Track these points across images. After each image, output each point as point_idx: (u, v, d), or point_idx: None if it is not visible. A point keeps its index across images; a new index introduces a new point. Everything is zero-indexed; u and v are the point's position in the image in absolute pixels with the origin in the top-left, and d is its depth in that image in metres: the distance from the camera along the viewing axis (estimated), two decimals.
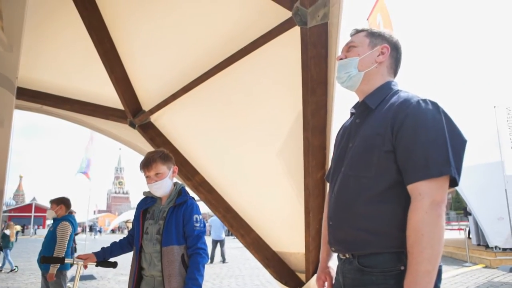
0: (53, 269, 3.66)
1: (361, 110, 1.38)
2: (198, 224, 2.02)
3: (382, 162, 1.20)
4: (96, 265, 2.18)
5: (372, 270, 1.19)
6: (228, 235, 17.45)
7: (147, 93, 3.22)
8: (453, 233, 17.55)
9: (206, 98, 2.85)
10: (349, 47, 1.42)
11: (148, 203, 2.14)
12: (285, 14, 2.10)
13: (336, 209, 1.33)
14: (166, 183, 2.06)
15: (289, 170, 2.65)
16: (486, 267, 8.79)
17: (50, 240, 3.88)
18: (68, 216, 4.09)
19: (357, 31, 1.45)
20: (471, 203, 8.85)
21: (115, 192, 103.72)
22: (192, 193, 2.47)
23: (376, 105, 1.31)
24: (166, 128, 3.36)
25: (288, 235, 2.99)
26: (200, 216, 2.07)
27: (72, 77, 3.38)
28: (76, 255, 3.82)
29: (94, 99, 3.55)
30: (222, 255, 11.05)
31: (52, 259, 2.15)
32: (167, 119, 3.28)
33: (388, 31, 1.46)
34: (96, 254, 2.18)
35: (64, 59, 3.18)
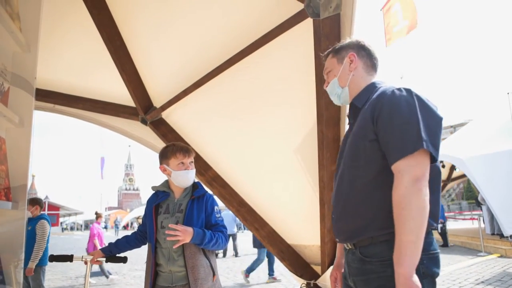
0: (32, 263, 4.04)
1: (352, 111, 1.50)
2: (219, 215, 2.10)
3: (368, 151, 1.29)
4: (106, 261, 2.18)
5: (372, 259, 1.27)
6: (240, 229, 17.54)
7: (158, 90, 3.23)
8: (466, 223, 17.40)
9: (218, 93, 2.84)
10: (326, 73, 1.59)
11: (160, 197, 2.12)
12: (297, 6, 2.07)
13: (335, 202, 1.43)
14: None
15: (304, 163, 2.64)
16: (501, 256, 8.70)
17: (29, 238, 4.13)
18: (43, 215, 4.46)
19: (325, 57, 1.63)
20: (485, 192, 8.73)
21: (126, 189, 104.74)
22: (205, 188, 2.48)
23: (362, 104, 1.41)
24: (177, 124, 3.37)
25: (303, 228, 2.99)
26: (219, 208, 2.11)
27: (83, 76, 3.40)
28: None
29: (105, 97, 3.57)
30: (235, 249, 11.14)
31: (60, 257, 2.16)
32: (178, 115, 3.28)
33: (348, 39, 1.59)
34: (103, 250, 2.19)
35: (74, 58, 3.20)
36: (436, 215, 1.25)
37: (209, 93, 2.87)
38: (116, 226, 34.64)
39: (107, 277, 7.38)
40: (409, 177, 1.14)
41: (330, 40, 2.24)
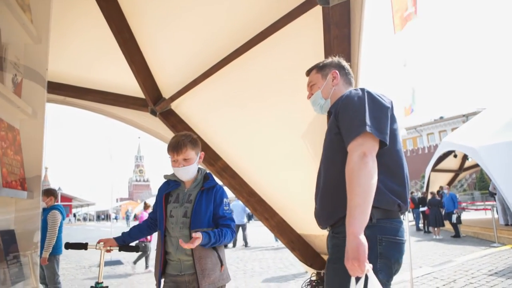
0: (45, 253, 4.11)
1: (328, 118, 1.70)
2: (227, 208, 2.06)
3: (335, 144, 1.50)
4: (119, 250, 2.18)
5: (339, 235, 1.45)
6: (250, 220, 17.64)
7: (167, 81, 3.24)
8: (479, 213, 17.17)
9: (227, 83, 2.84)
10: (310, 87, 1.82)
11: (171, 186, 2.12)
12: None
13: (315, 194, 1.63)
14: (193, 168, 2.06)
15: (314, 152, 2.64)
16: None
17: (42, 228, 4.23)
18: (57, 205, 4.54)
19: (309, 72, 1.85)
20: (498, 182, 8.60)
21: (136, 180, 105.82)
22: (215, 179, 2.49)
23: (334, 109, 1.60)
24: (187, 115, 3.38)
25: (313, 218, 2.99)
26: (228, 201, 2.09)
27: (93, 68, 3.43)
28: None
29: (115, 89, 3.60)
30: (244, 239, 11.22)
31: (75, 245, 2.20)
32: (187, 105, 3.29)
33: (330, 58, 1.84)
34: (116, 239, 2.19)
35: (84, 50, 3.22)
36: (401, 195, 1.41)
37: (218, 83, 2.87)
38: (127, 217, 35.08)
39: (134, 263, 7.57)
40: (357, 154, 1.32)
41: (339, 28, 2.22)
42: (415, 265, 6.41)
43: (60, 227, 4.43)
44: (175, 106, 3.35)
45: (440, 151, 13.42)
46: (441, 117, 50.77)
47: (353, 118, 1.41)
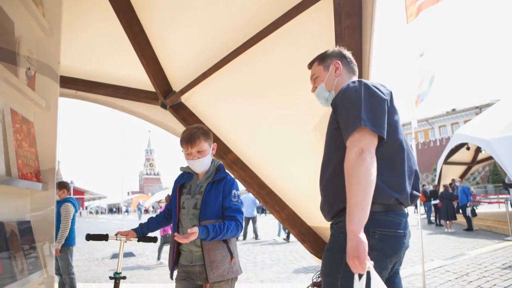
0: (58, 244, 4.21)
1: (331, 110, 1.66)
2: (236, 200, 2.03)
3: (335, 139, 1.50)
4: (138, 241, 2.21)
5: (335, 226, 1.49)
6: (260, 212, 17.67)
7: (177, 74, 3.24)
8: (492, 207, 16.92)
9: (237, 75, 2.83)
10: (314, 79, 1.77)
11: (185, 178, 2.15)
12: None
13: (319, 188, 1.63)
14: (207, 160, 2.07)
15: (323, 144, 2.62)
16: None
17: (55, 220, 4.25)
18: (69, 198, 4.62)
19: (311, 64, 1.80)
20: None
21: (147, 174, 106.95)
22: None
23: (334, 102, 1.58)
24: (197, 108, 3.39)
25: None
26: (238, 193, 2.08)
27: (103, 62, 3.45)
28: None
29: (125, 83, 3.62)
30: (255, 231, 11.27)
31: (95, 236, 2.23)
32: (197, 98, 3.30)
33: (331, 49, 1.79)
34: (135, 230, 2.22)
35: (94, 44, 3.24)
36: (398, 188, 1.40)
37: (228, 76, 2.86)
38: (139, 210, 35.46)
39: (158, 258, 7.67)
40: (355, 150, 1.32)
41: (351, 18, 2.18)
42: (427, 258, 6.37)
43: (73, 219, 4.52)
44: (185, 99, 3.36)
45: (453, 143, 13.24)
46: (454, 109, 49.98)
47: (349, 113, 1.40)
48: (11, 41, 1.37)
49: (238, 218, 1.98)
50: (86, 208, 53.13)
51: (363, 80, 1.49)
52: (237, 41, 2.56)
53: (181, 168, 2.22)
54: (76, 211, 4.64)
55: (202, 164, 2.06)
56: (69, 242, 4.39)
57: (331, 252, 1.45)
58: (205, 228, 1.82)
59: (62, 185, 4.64)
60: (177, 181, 2.17)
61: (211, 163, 2.14)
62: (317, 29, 2.28)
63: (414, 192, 1.48)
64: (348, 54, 1.76)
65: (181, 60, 3.12)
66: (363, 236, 1.23)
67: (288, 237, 10.15)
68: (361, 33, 2.27)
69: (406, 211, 1.48)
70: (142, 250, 9.46)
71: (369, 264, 1.19)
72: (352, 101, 1.42)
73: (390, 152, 1.42)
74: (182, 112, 3.39)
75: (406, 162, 1.45)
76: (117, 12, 2.69)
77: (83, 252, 9.56)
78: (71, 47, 3.25)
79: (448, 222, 11.58)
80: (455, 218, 11.89)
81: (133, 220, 25.72)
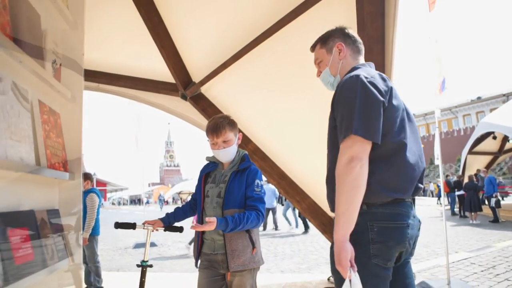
0: (85, 234, 4.31)
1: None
2: (259, 189, 2.01)
3: (333, 136, 1.44)
4: (164, 230, 2.25)
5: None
6: (279, 203, 17.66)
7: (197, 65, 3.25)
8: None
9: (257, 65, 2.81)
10: (318, 63, 1.68)
11: (210, 167, 2.17)
12: None
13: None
14: (232, 150, 2.07)
15: None
16: None
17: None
18: (93, 189, 4.71)
19: (313, 48, 1.70)
20: None
21: (167, 165, 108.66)
22: None
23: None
24: (217, 99, 3.40)
25: None
26: (262, 182, 2.07)
27: (123, 54, 3.49)
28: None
29: (145, 75, 3.66)
30: (274, 222, 11.30)
31: (124, 224, 2.28)
32: (217, 89, 3.30)
33: (332, 28, 1.65)
34: (162, 219, 2.26)
35: (114, 36, 3.27)
36: (396, 187, 1.35)
37: (248, 66, 2.85)
38: (160, 201, 36.03)
39: (190, 243, 7.77)
40: (345, 157, 1.29)
41: (373, 5, 2.13)
42: (451, 250, 6.23)
43: (98, 209, 4.64)
44: (205, 90, 3.37)
45: (478, 132, 12.83)
46: (479, 97, 48.31)
47: (343, 118, 1.35)
48: (38, 34, 1.40)
49: (259, 208, 1.97)
50: (109, 200, 54.55)
51: (362, 74, 1.38)
52: (256, 30, 2.54)
53: (207, 158, 2.23)
54: (100, 202, 4.77)
55: (228, 154, 2.06)
56: (94, 231, 4.52)
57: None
58: (223, 219, 1.82)
59: (86, 177, 4.76)
60: (202, 170, 2.19)
61: (236, 152, 2.14)
62: (338, 16, 2.23)
63: (418, 184, 1.43)
64: (352, 32, 1.63)
65: (200, 51, 3.12)
66: (346, 245, 1.24)
67: (306, 227, 10.11)
68: (384, 19, 2.20)
69: (409, 202, 1.42)
70: (164, 240, 9.66)
71: (351, 272, 1.22)
72: (346, 103, 1.36)
73: (388, 152, 1.36)
74: (202, 103, 3.40)
75: (407, 158, 1.38)
76: (137, 4, 2.70)
77: (106, 242, 9.84)
78: (91, 40, 3.31)
79: (473, 213, 11.29)
80: (481, 210, 11.58)
81: (154, 211, 26.24)
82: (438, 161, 4.79)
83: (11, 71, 1.25)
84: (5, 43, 1.12)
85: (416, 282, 4.37)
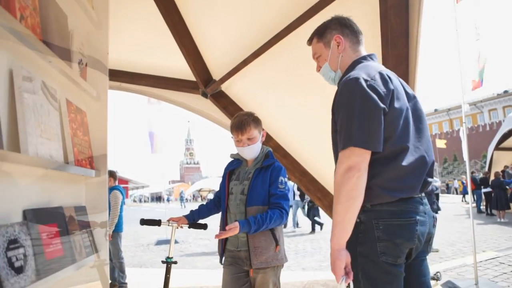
0: (110, 230, 4.37)
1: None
2: (282, 186, 2.00)
3: (335, 140, 1.42)
4: (189, 227, 2.26)
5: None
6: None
7: (217, 62, 3.26)
8: None
9: (277, 62, 2.79)
10: (316, 58, 1.60)
11: (234, 164, 2.17)
12: None
13: None
14: (257, 147, 2.08)
15: None
16: None
17: None
18: (117, 186, 4.79)
19: (310, 41, 1.62)
20: None
21: (187, 163, 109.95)
22: None
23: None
24: (237, 96, 3.40)
25: None
26: (286, 179, 2.05)
27: (144, 53, 3.53)
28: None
29: (166, 73, 3.69)
30: (294, 219, 11.27)
31: (149, 221, 2.31)
32: (238, 86, 3.30)
33: (329, 19, 1.55)
34: (186, 217, 2.27)
35: (135, 35, 3.31)
36: (400, 188, 1.31)
37: (268, 63, 2.83)
38: (181, 198, 36.23)
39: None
40: (343, 167, 1.26)
41: None
42: (478, 249, 6.05)
43: (121, 206, 4.74)
44: (225, 87, 3.38)
45: (505, 127, 12.37)
46: (505, 91, 46.61)
47: (342, 127, 1.31)
48: (66, 35, 1.43)
49: (283, 205, 1.95)
50: (130, 197, 55.63)
51: (361, 76, 1.31)
52: (276, 26, 2.52)
53: (231, 155, 2.24)
54: (123, 199, 4.87)
55: (252, 151, 2.06)
56: (118, 228, 4.62)
57: (349, 243, 1.38)
58: (246, 221, 1.82)
59: (110, 174, 4.86)
60: (226, 168, 2.19)
61: (261, 149, 2.13)
62: (360, 10, 2.19)
63: (427, 178, 1.37)
64: (350, 21, 1.53)
65: (220, 48, 3.12)
66: (341, 253, 1.26)
67: (313, 228, 9.89)
68: (408, 12, 2.14)
69: (418, 197, 1.35)
70: (185, 237, 9.78)
71: (342, 281, 1.25)
72: (346, 111, 1.31)
73: (388, 155, 1.31)
74: (222, 101, 3.41)
75: (410, 160, 1.32)
76: (156, 2, 2.72)
77: (129, 239, 10.05)
78: (114, 40, 3.36)
79: (500, 212, 10.91)
80: (508, 208, 11.18)
81: (175, 209, 26.61)
82: (465, 157, 4.66)
83: (41, 71, 1.28)
84: (36, 44, 1.15)
85: (442, 281, 4.26)
